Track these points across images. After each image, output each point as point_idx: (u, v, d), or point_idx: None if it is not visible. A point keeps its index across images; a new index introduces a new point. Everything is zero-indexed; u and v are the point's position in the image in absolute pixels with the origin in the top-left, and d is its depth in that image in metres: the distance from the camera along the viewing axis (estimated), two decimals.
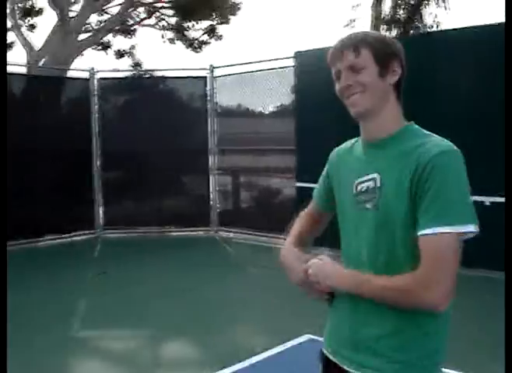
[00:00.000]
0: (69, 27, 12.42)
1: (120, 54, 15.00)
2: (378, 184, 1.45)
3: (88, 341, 4.37)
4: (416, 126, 1.49)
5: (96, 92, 8.62)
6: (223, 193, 8.98)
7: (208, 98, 8.68)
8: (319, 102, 6.58)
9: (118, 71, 9.40)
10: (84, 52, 13.57)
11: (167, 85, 9.15)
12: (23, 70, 11.41)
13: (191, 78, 8.80)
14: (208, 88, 8.66)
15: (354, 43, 1.45)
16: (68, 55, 12.39)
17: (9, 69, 10.78)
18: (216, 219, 8.75)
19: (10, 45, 15.40)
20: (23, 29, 14.63)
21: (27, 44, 13.52)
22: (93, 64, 8.66)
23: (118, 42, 15.20)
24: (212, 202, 8.84)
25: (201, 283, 5.82)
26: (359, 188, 1.51)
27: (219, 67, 8.67)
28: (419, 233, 1.34)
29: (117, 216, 8.79)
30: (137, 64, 14.31)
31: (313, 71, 6.41)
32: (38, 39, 13.89)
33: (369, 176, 1.47)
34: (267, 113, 8.48)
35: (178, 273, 6.28)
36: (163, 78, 9.14)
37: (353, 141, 1.65)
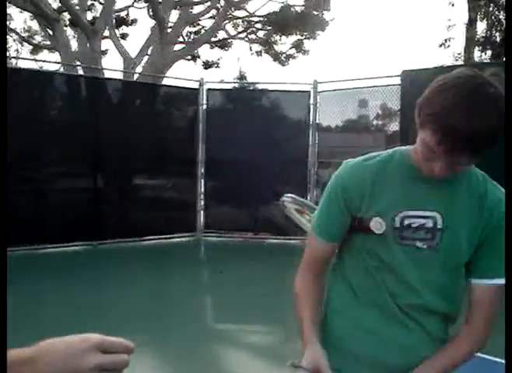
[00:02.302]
0: (167, 38, 12.97)
1: (207, 65, 15.51)
2: (439, 226, 1.29)
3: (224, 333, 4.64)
4: None
5: (204, 102, 9.02)
6: None
7: (311, 112, 8.93)
8: None
9: (225, 82, 9.77)
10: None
11: (270, 97, 9.45)
12: (119, 75, 12.05)
13: (294, 91, 9.09)
14: (311, 102, 8.92)
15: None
16: (164, 64, 12.93)
17: (109, 75, 11.46)
18: None
19: (104, 52, 16.19)
20: (117, 38, 15.36)
21: (123, 52, 14.16)
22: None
23: (206, 53, 15.67)
24: None
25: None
26: (406, 222, 1.30)
27: (323, 82, 8.91)
28: (492, 282, 1.30)
29: (216, 221, 9.14)
30: (242, 77, 14.79)
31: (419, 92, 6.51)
32: (130, 47, 14.42)
33: (427, 213, 1.29)
34: (370, 128, 8.68)
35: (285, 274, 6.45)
36: (267, 90, 9.47)
37: (384, 156, 1.36)
